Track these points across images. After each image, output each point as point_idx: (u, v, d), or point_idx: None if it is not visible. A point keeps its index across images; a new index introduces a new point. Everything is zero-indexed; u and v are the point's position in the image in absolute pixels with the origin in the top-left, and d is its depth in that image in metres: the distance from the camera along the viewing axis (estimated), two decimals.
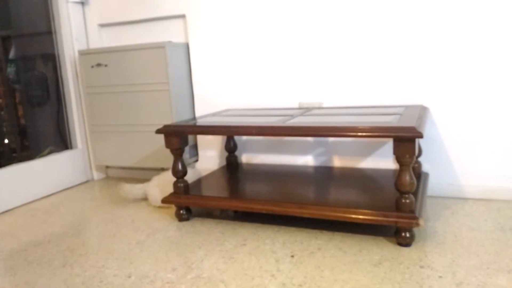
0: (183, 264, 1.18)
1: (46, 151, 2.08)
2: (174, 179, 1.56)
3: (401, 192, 1.19)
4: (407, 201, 1.18)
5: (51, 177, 1.99)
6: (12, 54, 2.10)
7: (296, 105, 1.78)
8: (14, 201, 1.82)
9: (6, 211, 1.77)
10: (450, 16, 1.49)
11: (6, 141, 2.04)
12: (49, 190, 1.98)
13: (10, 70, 2.10)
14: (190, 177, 1.63)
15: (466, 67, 1.50)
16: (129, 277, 1.13)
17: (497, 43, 1.45)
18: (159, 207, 1.67)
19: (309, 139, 1.78)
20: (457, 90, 1.53)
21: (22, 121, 2.12)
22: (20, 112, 2.11)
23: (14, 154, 2.07)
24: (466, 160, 1.56)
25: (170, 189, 1.56)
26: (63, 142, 2.18)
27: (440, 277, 1.03)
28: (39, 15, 2.12)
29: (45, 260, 1.27)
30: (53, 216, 1.67)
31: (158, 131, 1.46)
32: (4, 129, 2.04)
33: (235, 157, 1.88)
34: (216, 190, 1.53)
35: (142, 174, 2.15)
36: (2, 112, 2.02)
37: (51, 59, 2.13)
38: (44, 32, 2.12)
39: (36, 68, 2.16)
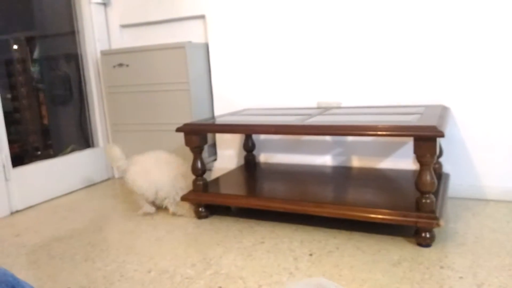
0: (202, 260, 1.19)
1: (69, 149, 2.12)
2: (153, 164, 1.62)
3: (421, 192, 1.18)
4: (428, 201, 1.17)
5: (73, 175, 2.03)
6: (36, 54, 2.15)
7: (314, 105, 1.78)
8: (37, 197, 1.86)
9: (30, 207, 1.81)
10: (472, 15, 1.47)
11: (30, 139, 2.08)
12: (71, 187, 2.02)
13: (34, 70, 2.15)
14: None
15: (488, 67, 1.48)
16: (149, 272, 1.15)
17: None
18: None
19: (327, 139, 1.77)
20: (478, 90, 1.51)
21: (46, 120, 2.17)
22: (44, 111, 2.16)
23: (37, 152, 2.12)
24: (487, 161, 1.54)
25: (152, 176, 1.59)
26: (85, 140, 2.22)
27: (461, 277, 1.02)
28: (62, 16, 2.16)
29: (67, 254, 1.30)
30: (75, 212, 1.70)
31: (179, 129, 1.47)
32: (29, 127, 2.09)
33: (253, 156, 1.89)
34: (234, 189, 1.54)
35: None
36: (27, 112, 2.07)
37: (74, 59, 2.17)
38: (67, 33, 2.17)
39: (59, 68, 2.21)
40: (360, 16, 1.64)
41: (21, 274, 1.19)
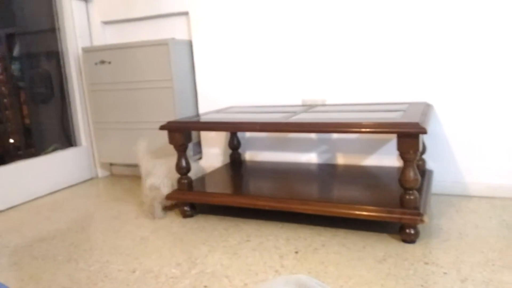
0: (187, 259, 1.18)
1: (51, 149, 2.09)
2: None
3: (405, 188, 1.19)
4: (412, 197, 1.18)
5: (55, 174, 2.00)
6: (16, 52, 2.11)
7: (299, 102, 1.78)
8: (19, 197, 1.82)
9: (12, 208, 1.77)
10: (454, 13, 1.49)
11: (11, 138, 2.04)
12: (53, 187, 1.98)
13: (15, 67, 2.11)
14: (193, 172, 1.63)
15: (471, 65, 1.50)
16: (134, 272, 1.13)
17: (501, 41, 1.45)
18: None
19: (313, 136, 1.78)
20: (461, 88, 1.53)
21: (27, 119, 2.13)
22: (25, 110, 2.12)
23: (19, 152, 2.08)
24: (470, 157, 1.56)
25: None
26: (67, 139, 2.18)
27: (445, 273, 1.03)
28: (43, 12, 2.12)
29: (49, 255, 1.28)
30: (58, 212, 1.68)
31: (162, 127, 1.46)
32: (9, 127, 2.04)
33: (239, 155, 1.88)
34: (219, 187, 1.53)
35: None
36: (7, 111, 2.03)
37: (55, 57, 2.14)
38: (48, 30, 2.13)
39: (40, 66, 2.17)
40: (345, 14, 1.64)
41: (2, 276, 1.16)
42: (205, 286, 1.04)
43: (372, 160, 1.70)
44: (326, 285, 0.50)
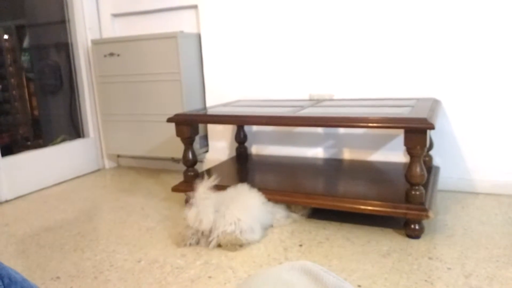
0: (192, 250, 1.19)
1: (59, 139, 2.10)
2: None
3: (411, 183, 1.18)
4: (417, 193, 1.18)
5: (63, 165, 2.01)
6: (26, 43, 2.12)
7: (306, 97, 1.78)
8: (27, 187, 1.84)
9: (19, 197, 1.79)
10: (462, 9, 1.48)
11: (20, 129, 2.06)
12: (61, 177, 2.00)
13: (24, 59, 2.13)
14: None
15: (479, 62, 1.49)
16: (139, 261, 1.14)
17: (510, 37, 1.44)
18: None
19: (319, 131, 1.77)
20: (470, 84, 1.52)
21: (36, 110, 2.15)
22: (34, 101, 2.14)
23: (27, 142, 2.10)
24: (477, 154, 1.55)
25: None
26: (75, 130, 2.20)
27: (449, 268, 1.03)
28: (53, 4, 2.14)
29: (56, 244, 1.29)
30: (65, 202, 1.69)
31: (169, 120, 1.47)
32: (19, 118, 2.07)
33: (245, 148, 1.89)
34: (225, 180, 1.53)
35: (153, 163, 2.16)
36: (17, 102, 2.05)
37: (65, 48, 2.15)
38: (58, 22, 2.14)
39: (49, 57, 2.19)
40: (353, 9, 1.63)
41: (10, 263, 1.18)
42: (210, 277, 1.04)
43: (379, 156, 1.69)
44: (331, 272, 0.50)
